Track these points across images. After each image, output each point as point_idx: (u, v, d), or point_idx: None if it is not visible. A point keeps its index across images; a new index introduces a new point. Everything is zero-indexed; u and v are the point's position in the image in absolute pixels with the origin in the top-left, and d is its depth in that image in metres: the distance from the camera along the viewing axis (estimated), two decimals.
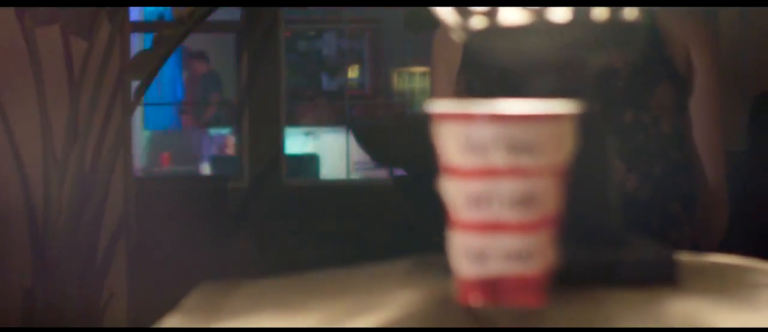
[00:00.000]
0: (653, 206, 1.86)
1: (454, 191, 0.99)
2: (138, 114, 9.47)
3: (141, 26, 8.48)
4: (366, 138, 2.59)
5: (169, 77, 10.25)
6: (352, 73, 10.47)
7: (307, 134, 9.38)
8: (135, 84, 3.25)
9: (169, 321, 1.23)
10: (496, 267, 0.98)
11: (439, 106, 0.99)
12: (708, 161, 1.97)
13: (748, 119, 4.42)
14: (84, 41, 2.88)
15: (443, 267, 1.17)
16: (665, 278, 1.06)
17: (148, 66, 3.04)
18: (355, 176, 8.83)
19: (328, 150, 9.20)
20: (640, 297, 1.04)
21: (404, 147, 2.34)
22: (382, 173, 7.47)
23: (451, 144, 0.98)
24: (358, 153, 8.61)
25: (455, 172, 0.98)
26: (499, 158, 0.96)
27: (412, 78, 10.29)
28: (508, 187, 0.97)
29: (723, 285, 1.12)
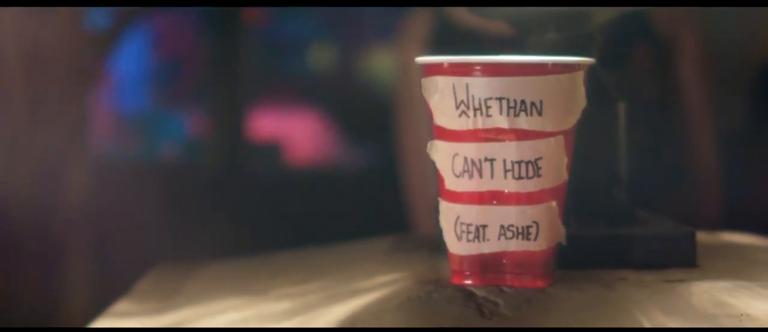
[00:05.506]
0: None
1: (446, 156, 0.86)
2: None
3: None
4: None
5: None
6: None
7: None
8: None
9: (120, 306, 1.10)
10: (495, 243, 0.85)
11: (431, 57, 0.86)
12: (696, 140, 1.83)
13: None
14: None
15: (429, 245, 1.05)
16: (682, 257, 0.95)
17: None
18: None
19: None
20: (656, 277, 0.92)
21: None
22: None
23: (444, 101, 0.85)
24: None
25: (448, 134, 0.86)
26: (499, 118, 0.84)
27: None
28: (510, 151, 0.84)
29: (740, 265, 1.01)
